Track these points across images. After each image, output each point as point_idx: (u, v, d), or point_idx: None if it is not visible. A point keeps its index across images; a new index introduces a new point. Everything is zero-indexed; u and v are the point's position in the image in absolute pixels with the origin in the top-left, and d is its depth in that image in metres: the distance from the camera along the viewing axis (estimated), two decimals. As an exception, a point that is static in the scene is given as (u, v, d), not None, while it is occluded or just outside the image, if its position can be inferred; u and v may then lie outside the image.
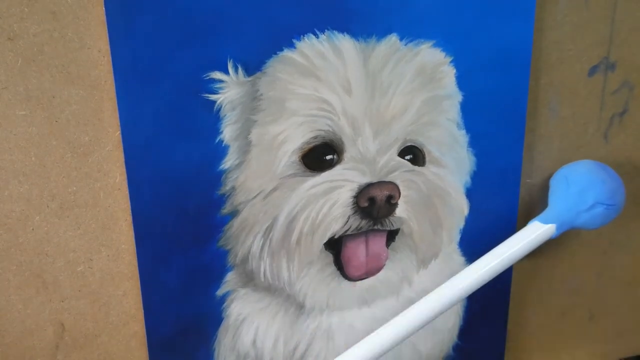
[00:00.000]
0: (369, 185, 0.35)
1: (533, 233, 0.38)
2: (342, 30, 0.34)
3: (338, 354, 0.39)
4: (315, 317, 0.38)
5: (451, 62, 0.36)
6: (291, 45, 0.33)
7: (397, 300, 0.40)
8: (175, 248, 0.35)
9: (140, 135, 0.33)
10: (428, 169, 0.37)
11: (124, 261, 0.36)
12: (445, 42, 0.36)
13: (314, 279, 0.37)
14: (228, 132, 0.34)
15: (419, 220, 0.37)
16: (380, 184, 0.35)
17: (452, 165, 0.38)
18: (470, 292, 0.37)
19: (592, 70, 0.41)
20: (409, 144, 0.37)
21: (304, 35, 0.33)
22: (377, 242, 0.37)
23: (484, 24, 0.36)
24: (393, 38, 0.35)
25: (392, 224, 0.36)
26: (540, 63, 0.39)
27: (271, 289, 0.37)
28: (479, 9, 0.36)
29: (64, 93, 0.32)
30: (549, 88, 0.40)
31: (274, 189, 0.35)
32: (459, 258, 0.41)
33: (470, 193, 0.39)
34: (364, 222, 0.35)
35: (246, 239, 0.36)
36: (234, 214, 0.35)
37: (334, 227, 0.35)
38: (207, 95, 0.33)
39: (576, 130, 0.42)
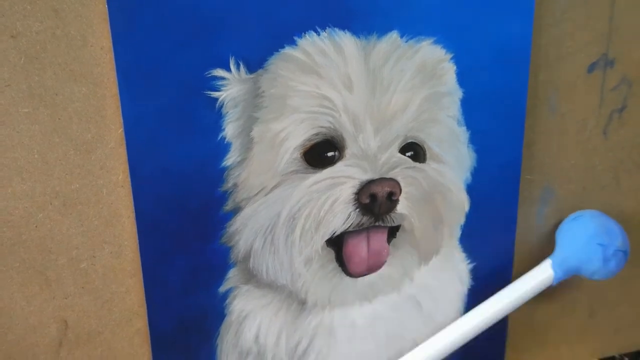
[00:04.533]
0: (370, 182, 0.35)
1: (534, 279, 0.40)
2: (343, 27, 0.34)
3: (340, 350, 0.39)
4: (317, 313, 0.39)
5: (451, 59, 0.36)
6: (292, 43, 0.34)
7: (399, 296, 0.40)
8: (178, 245, 0.35)
9: (143, 133, 0.33)
10: (429, 166, 0.38)
11: (127, 258, 0.36)
12: (446, 39, 0.36)
13: (316, 276, 0.37)
14: (230, 129, 0.34)
15: (420, 216, 0.37)
16: (382, 180, 0.35)
17: (453, 161, 0.38)
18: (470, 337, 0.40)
19: (591, 67, 0.41)
20: (410, 141, 0.37)
21: (305, 33, 0.34)
22: (379, 239, 0.37)
23: (484, 21, 0.36)
24: (394, 35, 0.35)
25: (393, 221, 0.36)
26: (539, 60, 0.40)
27: (273, 286, 0.37)
28: (479, 6, 0.36)
29: (67, 90, 0.32)
30: (549, 85, 0.41)
31: (276, 186, 0.35)
32: (459, 254, 0.41)
33: (470, 189, 0.39)
34: (365, 218, 0.36)
35: (248, 235, 0.36)
36: (236, 211, 0.35)
37: (336, 224, 0.35)
38: (209, 92, 0.33)
39: (575, 127, 0.42)
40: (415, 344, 0.41)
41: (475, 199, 0.40)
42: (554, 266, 0.40)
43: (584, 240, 0.40)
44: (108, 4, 0.30)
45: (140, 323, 0.37)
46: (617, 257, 0.40)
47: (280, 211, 0.35)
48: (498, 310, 0.40)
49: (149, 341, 0.37)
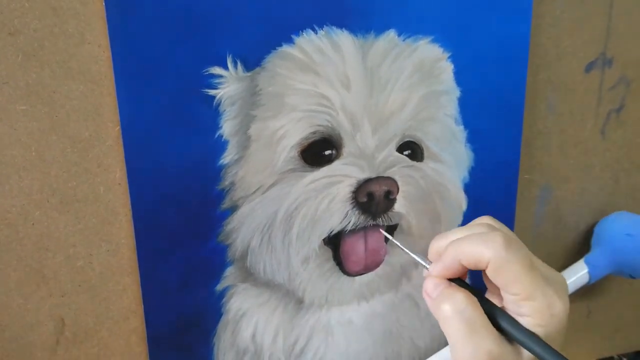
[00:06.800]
0: (368, 181, 0.35)
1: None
2: (340, 26, 0.34)
3: (337, 349, 0.39)
4: (314, 312, 0.39)
5: (449, 57, 0.36)
6: (290, 41, 0.34)
7: (396, 295, 0.40)
8: (175, 243, 0.35)
9: (140, 130, 0.33)
10: (426, 165, 0.38)
11: (124, 256, 0.36)
12: (444, 38, 0.36)
13: (313, 274, 0.37)
14: (227, 127, 0.34)
15: (417, 215, 0.37)
16: (379, 179, 0.35)
17: (451, 160, 0.38)
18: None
19: (589, 66, 0.41)
20: (408, 140, 0.37)
21: (302, 31, 0.34)
22: (376, 238, 0.37)
23: (482, 20, 0.36)
24: (391, 34, 0.35)
25: (390, 220, 0.36)
26: (537, 59, 0.40)
27: (270, 284, 0.37)
28: (477, 5, 0.36)
29: (64, 88, 0.32)
30: (547, 84, 0.41)
31: (273, 184, 0.35)
32: (457, 253, 0.41)
33: (468, 188, 0.39)
34: (362, 217, 0.36)
35: (245, 234, 0.36)
36: (233, 209, 0.35)
37: (333, 223, 0.35)
38: (206, 90, 0.33)
39: (574, 126, 0.42)
40: (412, 343, 0.41)
41: (473, 198, 0.40)
42: (587, 263, 0.40)
43: (612, 234, 0.40)
44: (105, 2, 0.30)
45: (137, 321, 0.37)
46: None
47: (277, 209, 0.35)
48: None
49: (146, 339, 0.37)
